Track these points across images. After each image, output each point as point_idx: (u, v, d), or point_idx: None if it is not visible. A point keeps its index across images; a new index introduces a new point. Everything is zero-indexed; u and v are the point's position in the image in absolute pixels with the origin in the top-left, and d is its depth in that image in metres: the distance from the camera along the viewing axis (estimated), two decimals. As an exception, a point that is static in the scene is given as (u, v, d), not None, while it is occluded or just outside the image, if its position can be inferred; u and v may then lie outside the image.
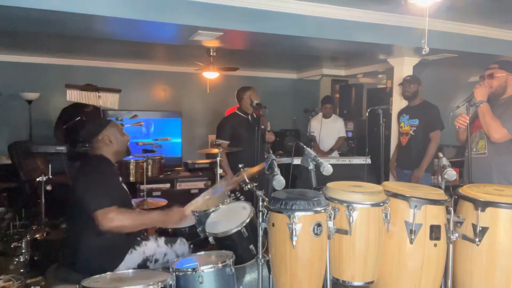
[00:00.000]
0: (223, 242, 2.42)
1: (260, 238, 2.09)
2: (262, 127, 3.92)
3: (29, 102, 5.90)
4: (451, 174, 2.26)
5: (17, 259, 3.78)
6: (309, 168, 2.31)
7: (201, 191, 6.00)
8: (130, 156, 5.06)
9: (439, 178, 2.33)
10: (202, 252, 2.44)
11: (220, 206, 2.72)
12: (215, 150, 3.58)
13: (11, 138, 5.15)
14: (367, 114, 4.11)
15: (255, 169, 2.66)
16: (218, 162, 3.61)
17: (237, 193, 3.41)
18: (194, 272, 2.07)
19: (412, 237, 2.11)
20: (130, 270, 2.15)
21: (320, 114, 5.45)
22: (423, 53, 2.71)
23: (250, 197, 3.11)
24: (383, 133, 3.87)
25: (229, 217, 2.56)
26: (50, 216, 4.13)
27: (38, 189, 4.04)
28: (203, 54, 5.26)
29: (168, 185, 5.94)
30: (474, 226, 2.08)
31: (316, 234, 1.94)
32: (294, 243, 1.91)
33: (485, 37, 4.45)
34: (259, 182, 2.45)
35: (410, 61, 4.91)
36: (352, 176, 3.42)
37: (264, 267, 2.15)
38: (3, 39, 4.99)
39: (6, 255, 3.89)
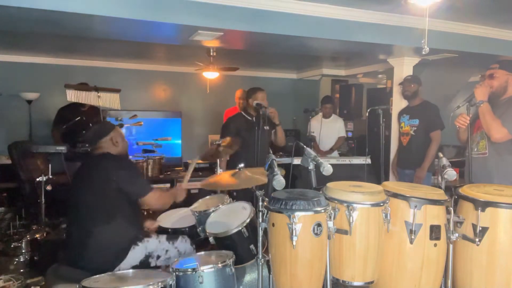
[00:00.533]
0: (223, 242, 2.43)
1: (260, 238, 2.09)
2: (266, 128, 3.87)
3: (29, 102, 5.90)
4: (451, 174, 2.25)
5: (17, 259, 3.78)
6: (309, 168, 2.31)
7: (201, 191, 6.01)
8: (130, 157, 5.06)
9: (439, 178, 2.33)
10: (202, 252, 2.44)
11: (220, 206, 2.72)
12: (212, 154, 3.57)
13: (11, 138, 5.14)
14: (367, 114, 4.11)
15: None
16: (218, 162, 3.61)
17: (234, 193, 3.42)
18: (194, 272, 2.07)
19: (412, 237, 2.11)
20: (130, 270, 2.16)
21: (320, 114, 5.45)
22: (423, 53, 2.71)
23: (249, 197, 3.12)
24: (383, 133, 3.87)
25: (229, 217, 2.56)
26: (50, 216, 4.13)
27: (38, 189, 4.03)
28: (203, 54, 5.26)
29: (168, 185, 5.93)
30: (474, 226, 2.08)
31: (316, 234, 1.94)
32: (294, 243, 1.90)
33: (485, 37, 4.44)
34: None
35: (410, 61, 4.91)
36: (352, 176, 3.43)
37: (264, 267, 2.14)
38: (3, 39, 4.99)
39: (6, 255, 3.89)
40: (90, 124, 4.23)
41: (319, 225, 1.95)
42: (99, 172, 2.45)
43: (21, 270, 3.59)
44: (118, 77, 6.58)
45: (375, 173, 4.38)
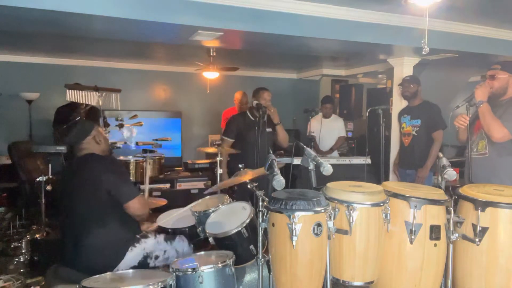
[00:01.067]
0: (223, 242, 2.43)
1: (260, 238, 2.09)
2: (268, 130, 3.86)
3: (29, 102, 5.91)
4: (451, 174, 2.25)
5: (17, 259, 3.78)
6: (309, 168, 2.31)
7: (201, 191, 6.02)
8: (130, 157, 5.06)
9: (439, 178, 2.33)
10: (202, 252, 2.44)
11: (220, 206, 2.72)
12: (214, 150, 3.57)
13: (11, 138, 5.15)
14: (367, 114, 4.11)
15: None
16: (218, 162, 3.61)
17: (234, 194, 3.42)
18: (194, 272, 2.07)
19: (412, 237, 2.11)
20: (130, 270, 2.16)
21: (320, 114, 5.45)
22: (423, 53, 2.71)
23: (247, 197, 3.13)
24: (383, 133, 3.87)
25: (229, 217, 2.56)
26: (50, 216, 4.13)
27: (38, 189, 4.04)
28: (203, 54, 5.26)
29: (168, 185, 5.94)
30: (474, 226, 2.08)
31: (316, 234, 1.94)
32: (294, 243, 1.90)
33: (485, 37, 4.44)
34: (259, 182, 2.44)
35: (410, 61, 4.91)
36: (352, 176, 3.43)
37: (264, 267, 2.14)
38: (3, 39, 4.99)
39: (6, 255, 3.90)
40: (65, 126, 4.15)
41: (319, 225, 1.95)
42: (87, 174, 2.40)
43: (21, 270, 3.59)
44: (118, 77, 6.58)
45: (375, 173, 4.37)
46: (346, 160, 4.73)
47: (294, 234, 1.90)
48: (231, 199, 2.85)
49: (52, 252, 3.08)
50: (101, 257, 2.28)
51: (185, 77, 7.18)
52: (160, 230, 2.87)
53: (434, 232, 2.11)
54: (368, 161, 4.51)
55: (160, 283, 1.87)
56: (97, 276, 2.01)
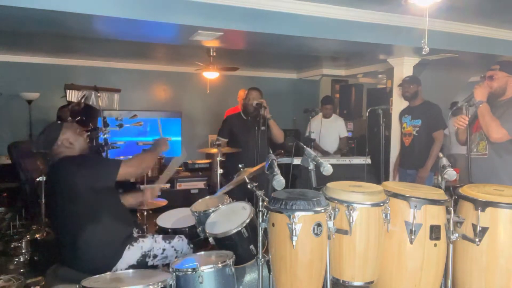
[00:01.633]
0: (223, 242, 2.42)
1: (260, 238, 2.09)
2: (263, 128, 3.82)
3: (29, 102, 5.91)
4: (451, 174, 2.25)
5: (17, 259, 3.78)
6: (309, 168, 2.31)
7: (201, 191, 6.03)
8: (130, 157, 5.05)
9: (439, 178, 2.33)
10: (202, 252, 2.44)
11: (220, 206, 2.72)
12: (214, 150, 3.58)
13: (11, 138, 5.15)
14: (367, 114, 4.11)
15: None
16: (218, 162, 3.61)
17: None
18: (194, 272, 2.07)
19: (412, 237, 2.11)
20: (130, 270, 2.16)
21: (320, 114, 5.44)
22: (423, 53, 2.71)
23: (246, 197, 3.12)
24: (383, 133, 3.87)
25: (229, 217, 2.56)
26: (50, 216, 4.13)
27: (38, 189, 4.04)
28: (203, 54, 5.26)
29: (168, 185, 5.95)
30: (474, 226, 2.08)
31: (316, 234, 1.94)
32: (294, 243, 1.90)
33: (485, 37, 4.45)
34: (259, 182, 2.44)
35: (410, 61, 4.91)
36: (352, 176, 3.42)
37: (264, 267, 2.14)
38: (3, 39, 4.99)
39: (6, 255, 3.90)
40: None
41: (319, 225, 1.95)
42: (62, 181, 2.31)
43: (21, 270, 3.59)
44: (118, 77, 6.58)
45: (375, 173, 4.37)
46: (346, 160, 4.73)
47: (294, 234, 1.90)
48: (231, 199, 2.85)
49: (52, 252, 3.07)
50: (99, 257, 2.26)
51: (185, 77, 7.18)
52: (160, 230, 2.87)
53: (434, 232, 2.11)
54: (368, 161, 4.51)
55: (160, 283, 1.86)
56: (97, 276, 2.01)
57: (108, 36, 3.93)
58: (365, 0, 3.58)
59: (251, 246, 2.39)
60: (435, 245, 2.12)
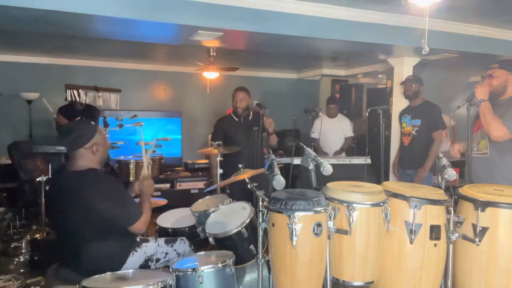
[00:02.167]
0: (223, 243, 2.43)
1: (260, 238, 2.09)
2: (255, 128, 3.76)
3: (29, 102, 5.90)
4: (451, 174, 2.25)
5: (17, 259, 3.79)
6: (309, 168, 2.31)
7: (200, 191, 6.03)
8: (130, 156, 5.06)
9: (439, 178, 2.33)
10: (202, 252, 2.44)
11: (220, 206, 2.72)
12: (215, 151, 3.58)
13: (11, 138, 5.15)
14: (367, 114, 4.11)
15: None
16: (218, 162, 3.62)
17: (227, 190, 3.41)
18: (194, 272, 2.07)
19: (412, 237, 2.11)
20: (130, 270, 2.15)
21: (325, 114, 5.41)
22: (423, 53, 2.71)
23: (245, 196, 3.12)
24: (383, 133, 3.87)
25: (229, 217, 2.56)
26: (50, 216, 4.13)
27: (38, 189, 4.04)
28: (203, 54, 5.26)
29: (168, 185, 5.95)
30: (474, 226, 2.08)
31: (316, 234, 1.94)
32: (294, 243, 1.90)
33: (485, 37, 4.45)
34: (259, 182, 2.44)
35: (410, 61, 4.91)
36: (352, 176, 3.42)
37: (264, 267, 2.14)
38: (3, 39, 4.99)
39: (6, 255, 3.90)
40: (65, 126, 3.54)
41: (319, 225, 1.95)
42: (82, 199, 2.11)
43: (21, 270, 3.59)
44: (118, 77, 6.58)
45: (375, 173, 4.38)
46: (346, 160, 4.73)
47: (294, 234, 1.90)
48: (231, 199, 2.85)
49: (52, 252, 3.07)
50: (103, 266, 2.16)
51: (185, 77, 7.18)
52: (160, 230, 2.87)
53: (434, 232, 2.11)
54: (368, 161, 4.51)
55: (160, 283, 1.86)
56: (97, 276, 2.00)
57: (108, 36, 3.93)
58: (365, 0, 3.58)
59: (251, 246, 2.40)
60: (435, 245, 2.12)
